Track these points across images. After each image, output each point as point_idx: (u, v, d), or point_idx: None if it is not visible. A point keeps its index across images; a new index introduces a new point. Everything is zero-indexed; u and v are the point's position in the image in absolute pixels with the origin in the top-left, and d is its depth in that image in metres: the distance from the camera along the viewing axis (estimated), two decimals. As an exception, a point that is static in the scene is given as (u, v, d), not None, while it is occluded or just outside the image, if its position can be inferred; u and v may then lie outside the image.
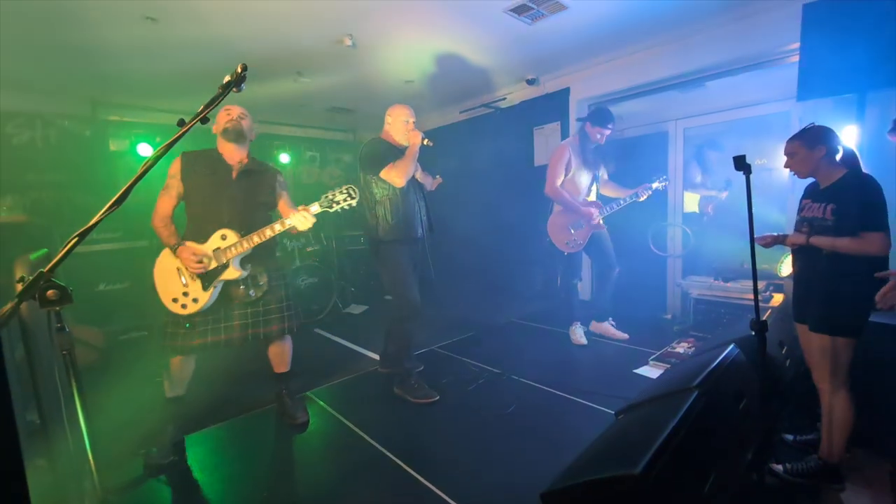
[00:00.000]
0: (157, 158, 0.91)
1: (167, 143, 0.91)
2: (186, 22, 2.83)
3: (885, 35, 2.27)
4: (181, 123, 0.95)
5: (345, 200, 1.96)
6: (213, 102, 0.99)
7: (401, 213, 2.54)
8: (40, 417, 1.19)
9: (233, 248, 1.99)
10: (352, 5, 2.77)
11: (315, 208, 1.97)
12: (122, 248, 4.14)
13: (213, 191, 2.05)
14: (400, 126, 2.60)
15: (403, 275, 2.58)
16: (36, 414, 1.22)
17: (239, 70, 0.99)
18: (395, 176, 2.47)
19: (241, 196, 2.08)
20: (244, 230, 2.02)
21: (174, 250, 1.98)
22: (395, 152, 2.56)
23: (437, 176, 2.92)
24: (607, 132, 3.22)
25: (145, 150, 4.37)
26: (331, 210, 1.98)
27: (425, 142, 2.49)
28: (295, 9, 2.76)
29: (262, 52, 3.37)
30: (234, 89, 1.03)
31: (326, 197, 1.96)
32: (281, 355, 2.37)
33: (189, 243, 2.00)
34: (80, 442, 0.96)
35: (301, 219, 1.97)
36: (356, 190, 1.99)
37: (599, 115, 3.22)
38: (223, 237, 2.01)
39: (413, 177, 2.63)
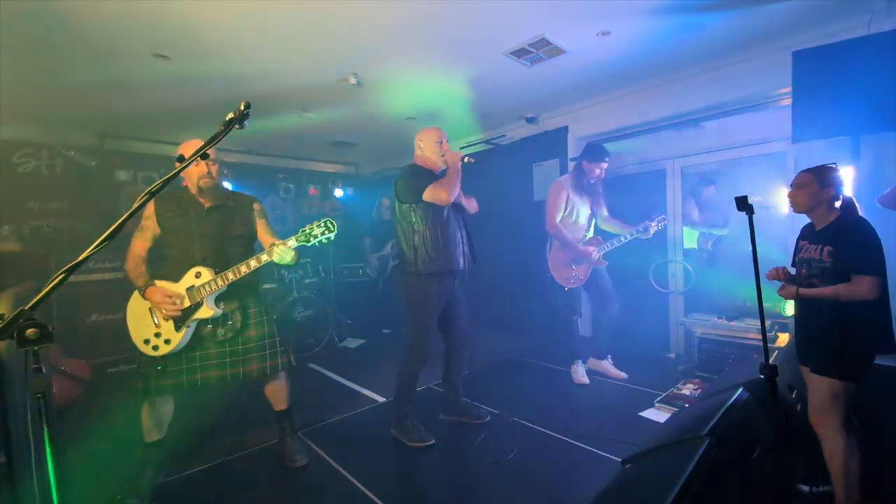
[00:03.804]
0: (152, 194, 0.89)
1: (164, 178, 0.90)
2: (195, 59, 2.92)
3: (874, 81, 2.34)
4: (180, 160, 0.94)
5: (322, 234, 1.90)
6: (215, 139, 0.99)
7: (440, 244, 2.40)
8: (8, 459, 1.12)
9: (207, 286, 1.94)
10: (357, 45, 2.87)
11: (292, 242, 1.92)
12: (118, 279, 4.09)
13: (186, 229, 2.01)
14: (434, 148, 2.49)
15: (427, 316, 2.44)
16: (4, 455, 1.14)
17: (242, 108, 0.99)
18: (441, 193, 2.30)
19: (213, 232, 2.04)
20: (219, 267, 1.97)
21: (142, 292, 1.92)
22: (434, 177, 2.43)
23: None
24: (605, 165, 3.28)
25: (149, 181, 4.42)
26: (308, 244, 1.91)
27: (466, 159, 2.35)
28: (302, 48, 2.86)
29: (269, 88, 3.47)
30: (237, 126, 1.03)
31: (304, 231, 1.91)
32: (276, 393, 2.28)
33: (160, 283, 1.95)
34: (48, 492, 0.88)
35: (277, 254, 1.90)
36: (333, 223, 1.92)
37: (595, 150, 3.30)
38: (197, 275, 1.96)
39: (453, 203, 2.47)
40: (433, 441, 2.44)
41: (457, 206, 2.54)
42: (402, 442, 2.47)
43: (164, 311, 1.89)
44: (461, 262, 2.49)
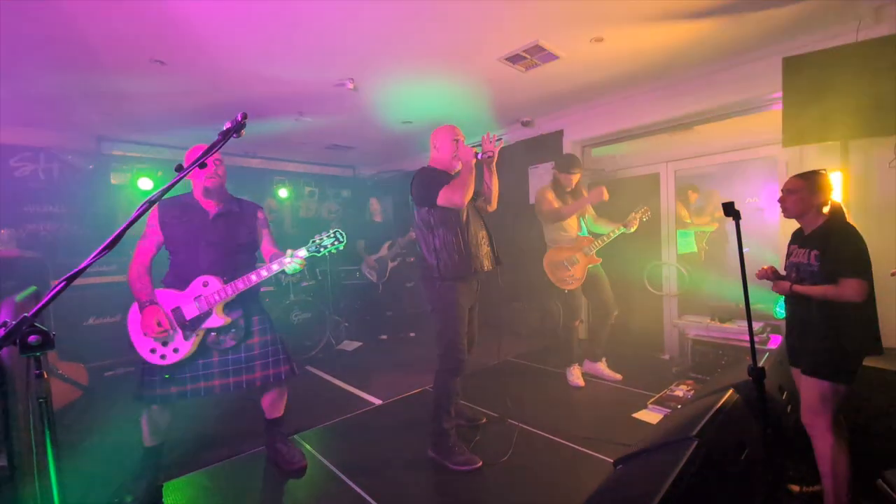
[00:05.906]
0: (152, 203, 0.92)
1: (164, 188, 0.93)
2: (193, 64, 2.94)
3: (862, 88, 2.38)
4: (179, 168, 0.97)
5: (332, 244, 1.95)
6: (212, 149, 1.01)
7: (463, 247, 2.28)
8: (9, 463, 1.14)
9: (215, 295, 1.94)
10: (354, 51, 2.90)
11: (303, 253, 1.94)
12: (115, 283, 4.09)
13: (191, 237, 2.00)
14: (450, 148, 2.35)
15: (457, 322, 2.29)
16: (5, 459, 1.16)
17: (239, 118, 1.02)
18: (454, 196, 2.18)
19: (219, 240, 2.03)
20: (227, 275, 1.97)
21: (142, 308, 1.89)
22: (449, 179, 2.32)
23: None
24: (573, 177, 3.28)
25: (146, 184, 4.43)
26: (318, 254, 1.95)
27: (479, 156, 2.24)
28: (298, 53, 2.88)
29: (266, 93, 3.49)
30: (234, 136, 1.06)
31: (314, 241, 1.95)
32: (273, 402, 2.27)
33: (164, 291, 1.95)
34: (49, 494, 0.90)
35: (290, 265, 1.93)
36: (343, 234, 1.96)
37: (566, 161, 3.32)
38: (205, 284, 1.96)
39: (472, 203, 2.36)
40: (481, 463, 2.25)
41: (474, 207, 2.43)
42: (444, 466, 2.27)
43: (149, 333, 1.86)
44: (485, 263, 2.38)
